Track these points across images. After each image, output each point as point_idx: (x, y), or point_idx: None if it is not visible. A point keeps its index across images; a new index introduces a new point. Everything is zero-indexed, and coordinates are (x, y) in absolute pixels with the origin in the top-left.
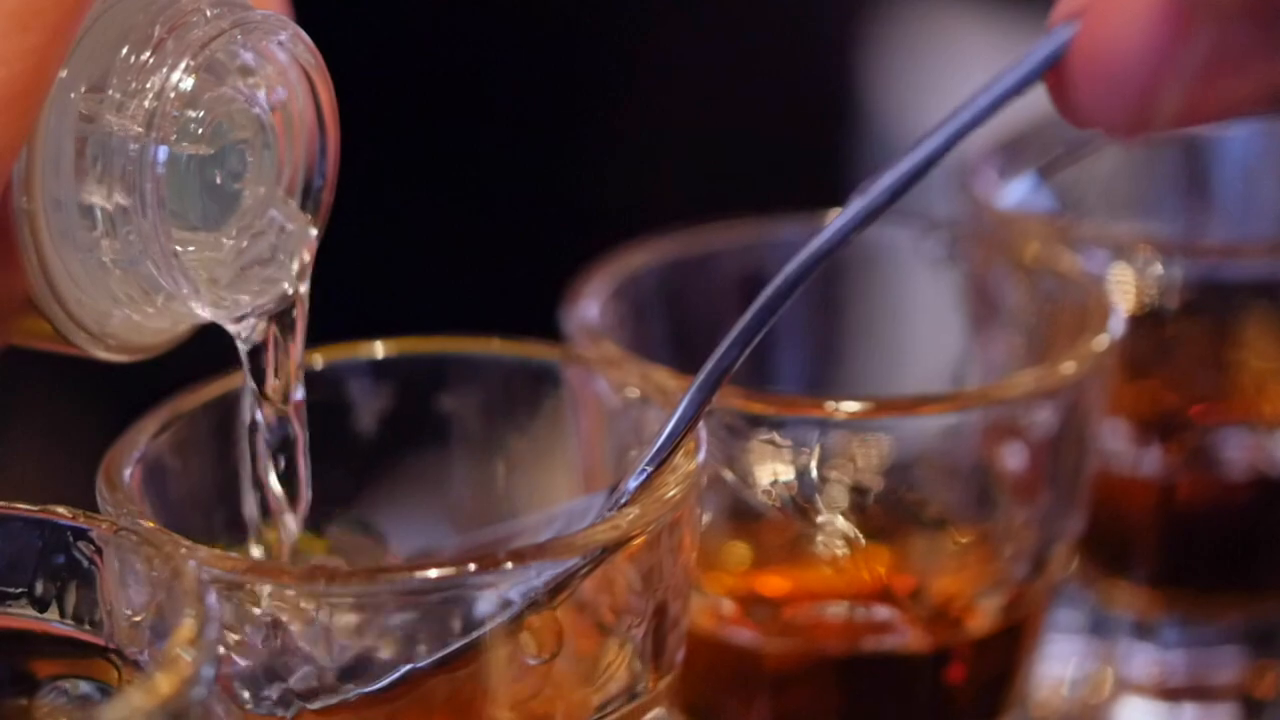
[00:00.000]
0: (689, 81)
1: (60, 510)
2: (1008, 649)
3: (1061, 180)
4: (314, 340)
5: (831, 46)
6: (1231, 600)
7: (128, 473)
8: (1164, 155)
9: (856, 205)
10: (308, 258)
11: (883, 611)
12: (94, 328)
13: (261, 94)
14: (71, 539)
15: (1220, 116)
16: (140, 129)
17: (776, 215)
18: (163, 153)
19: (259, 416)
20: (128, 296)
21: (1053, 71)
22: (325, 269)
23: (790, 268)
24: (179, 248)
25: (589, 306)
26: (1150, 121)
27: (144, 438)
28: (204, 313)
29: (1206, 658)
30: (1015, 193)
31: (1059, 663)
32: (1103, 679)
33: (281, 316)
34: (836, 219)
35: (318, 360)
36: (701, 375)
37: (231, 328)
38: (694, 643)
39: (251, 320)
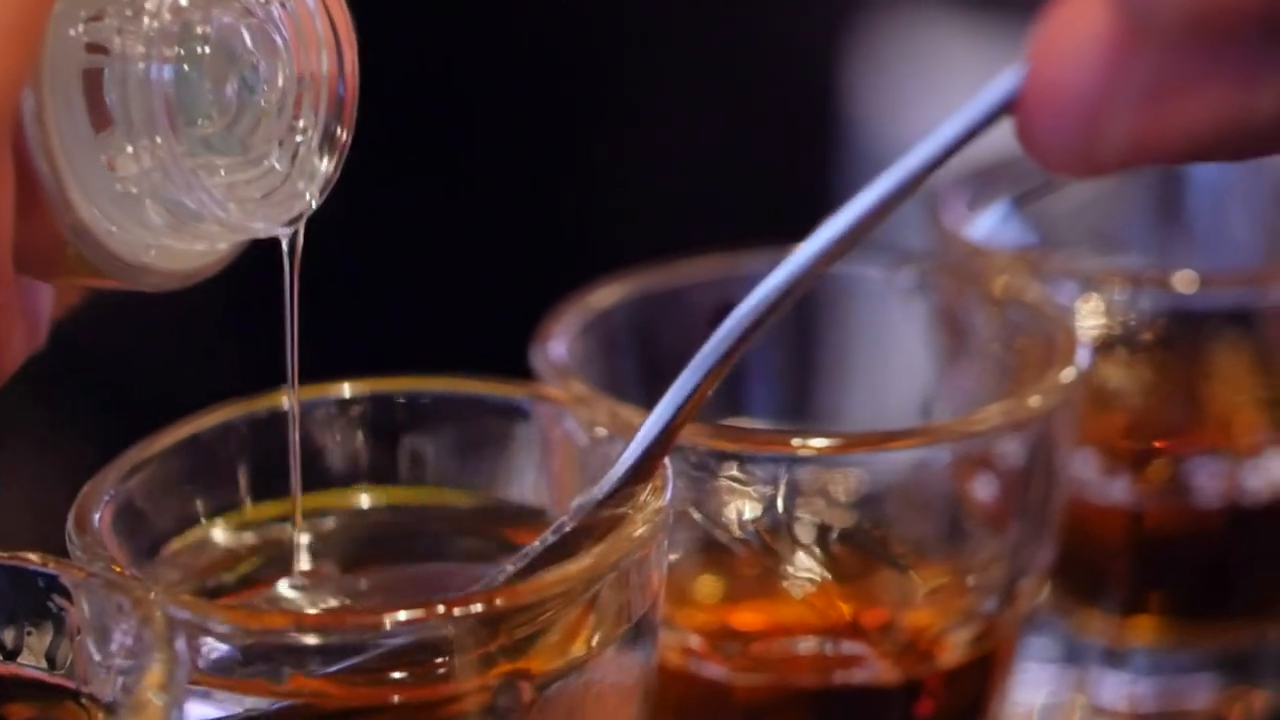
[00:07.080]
0: (668, 106)
1: (30, 556)
2: (979, 681)
3: (1034, 212)
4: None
5: (815, 61)
6: (1203, 628)
7: (97, 516)
8: (1137, 187)
9: (813, 245)
10: (333, 168)
11: (853, 646)
12: (130, 259)
13: (274, 9)
14: (41, 585)
15: (1171, 151)
16: (143, 48)
17: (746, 248)
18: (168, 71)
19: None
20: (159, 223)
21: (1015, 108)
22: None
23: (741, 310)
24: (200, 167)
25: (558, 344)
26: (1100, 156)
27: (113, 480)
28: (235, 231)
29: (1179, 685)
30: (986, 224)
31: (1031, 691)
32: (1075, 707)
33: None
34: (792, 259)
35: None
36: (654, 415)
37: (278, 232)
38: (664, 678)
39: (286, 231)
